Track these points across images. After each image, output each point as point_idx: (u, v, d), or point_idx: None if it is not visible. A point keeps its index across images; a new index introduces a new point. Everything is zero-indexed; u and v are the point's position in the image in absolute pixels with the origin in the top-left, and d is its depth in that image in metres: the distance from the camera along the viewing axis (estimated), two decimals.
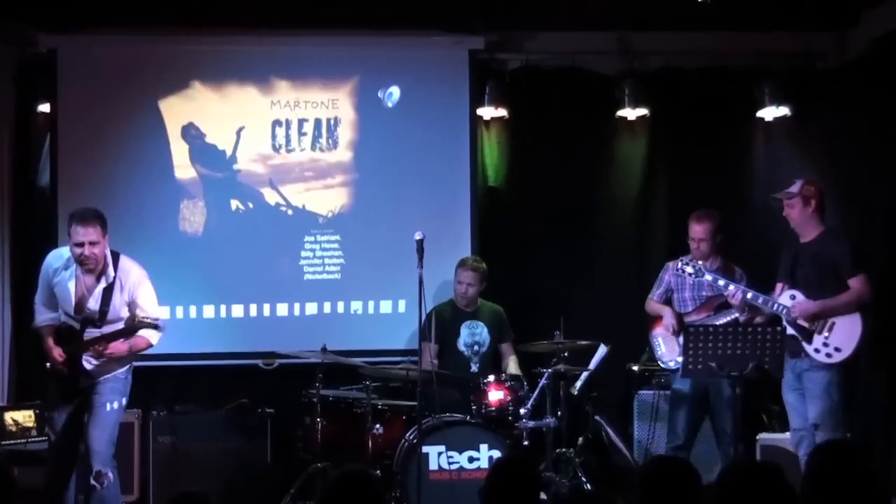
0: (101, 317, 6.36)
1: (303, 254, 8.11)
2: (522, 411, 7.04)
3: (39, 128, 8.05)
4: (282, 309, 8.02)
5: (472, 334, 7.68)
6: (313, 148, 8.14)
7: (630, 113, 8.29)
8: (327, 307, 8.08)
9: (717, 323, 6.86)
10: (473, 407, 7.03)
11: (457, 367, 7.51)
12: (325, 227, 8.12)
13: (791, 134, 8.31)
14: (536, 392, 7.11)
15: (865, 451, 3.97)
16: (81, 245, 6.26)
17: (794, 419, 6.73)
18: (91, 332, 6.35)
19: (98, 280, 6.36)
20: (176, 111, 8.02)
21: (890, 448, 7.25)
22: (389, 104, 8.18)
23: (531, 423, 7.06)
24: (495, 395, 7.03)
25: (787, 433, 6.89)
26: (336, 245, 8.12)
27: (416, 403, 6.64)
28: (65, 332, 6.42)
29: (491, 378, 7.12)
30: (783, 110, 8.26)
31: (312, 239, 8.12)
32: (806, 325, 6.54)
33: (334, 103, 8.14)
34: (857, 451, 3.92)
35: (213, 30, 8.05)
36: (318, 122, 8.15)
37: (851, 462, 3.84)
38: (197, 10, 7.87)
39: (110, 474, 6.30)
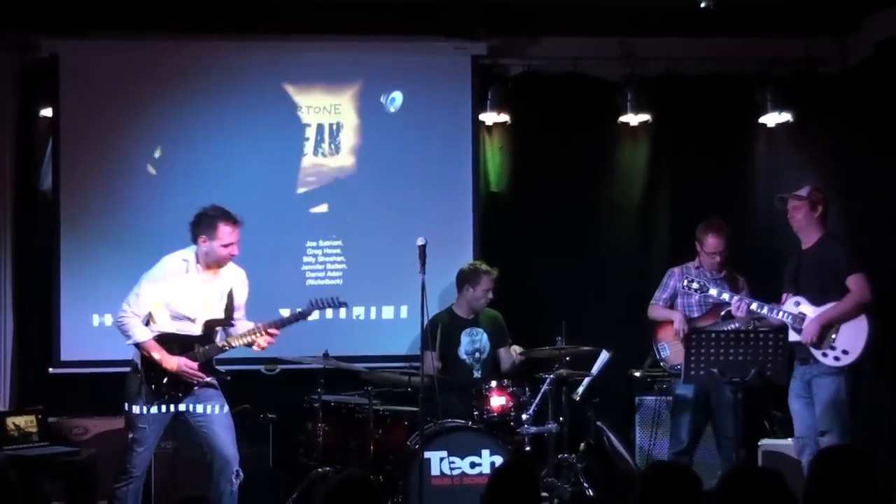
0: (228, 315, 6.50)
1: (305, 259, 8.11)
2: (524, 417, 7.02)
3: (41, 132, 8.06)
4: (284, 314, 8.00)
5: (473, 342, 7.67)
6: (315, 153, 8.14)
7: (632, 118, 8.30)
8: (329, 313, 8.03)
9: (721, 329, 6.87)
10: (475, 412, 7.03)
11: (459, 375, 7.50)
12: (328, 232, 8.12)
13: (793, 140, 8.31)
14: (538, 397, 7.10)
15: (868, 456, 3.95)
16: (231, 244, 6.40)
17: (798, 426, 6.71)
18: (222, 333, 6.48)
19: (214, 280, 6.46)
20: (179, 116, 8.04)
21: (893, 454, 7.24)
22: (392, 109, 8.19)
23: (533, 429, 7.05)
24: (497, 401, 7.02)
25: (790, 439, 6.89)
26: (338, 250, 8.12)
27: (417, 409, 6.63)
28: (175, 340, 6.37)
29: (493, 383, 7.11)
30: (785, 116, 8.26)
31: (314, 244, 8.12)
32: (817, 343, 6.53)
33: (336, 108, 8.15)
34: (860, 457, 3.91)
35: (215, 35, 8.06)
36: (320, 127, 8.15)
37: (854, 468, 3.84)
38: (199, 15, 7.88)
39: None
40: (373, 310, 8.12)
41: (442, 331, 7.47)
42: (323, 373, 7.07)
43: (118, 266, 7.54)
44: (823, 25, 8.29)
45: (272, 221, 8.07)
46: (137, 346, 6.33)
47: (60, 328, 7.84)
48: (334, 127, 8.16)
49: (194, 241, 6.41)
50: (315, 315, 7.92)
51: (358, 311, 8.10)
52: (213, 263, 6.43)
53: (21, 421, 7.24)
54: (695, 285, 6.85)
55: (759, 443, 7.33)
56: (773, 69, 8.26)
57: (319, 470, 6.96)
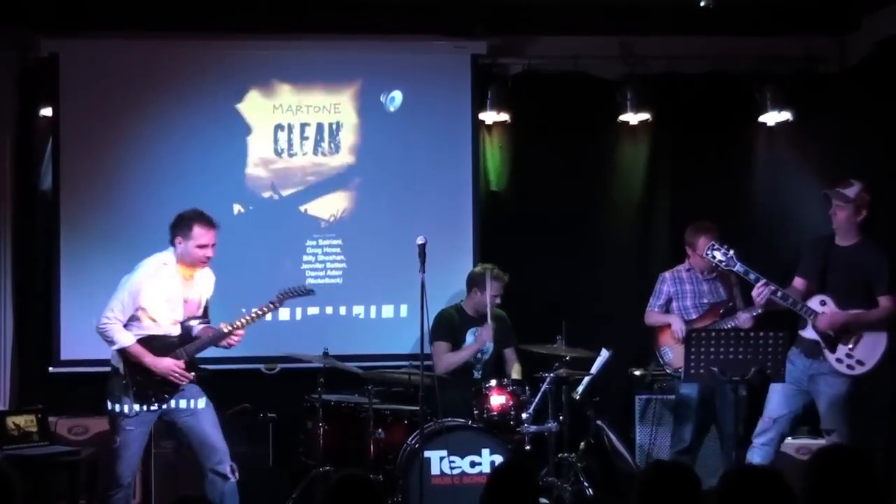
0: (205, 312, 6.54)
1: (305, 258, 8.11)
2: (524, 416, 7.02)
3: (41, 132, 8.05)
4: (283, 313, 8.00)
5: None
6: (315, 152, 8.14)
7: (632, 117, 8.30)
8: (329, 311, 8.08)
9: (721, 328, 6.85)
10: (475, 411, 7.02)
11: (459, 373, 7.49)
12: (327, 231, 8.13)
13: (793, 139, 8.31)
14: (538, 396, 7.10)
15: (867, 455, 3.95)
16: (206, 246, 6.38)
17: (774, 407, 6.57)
18: (198, 328, 6.47)
19: (192, 282, 6.47)
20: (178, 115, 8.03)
21: (893, 454, 7.23)
22: (392, 109, 8.19)
23: (533, 428, 7.05)
24: (497, 400, 7.01)
25: (790, 438, 6.87)
26: (338, 249, 8.13)
27: (417, 408, 6.63)
28: (158, 342, 6.35)
29: (493, 382, 7.11)
30: (785, 115, 8.26)
31: (314, 243, 8.12)
32: (831, 333, 6.48)
33: (336, 107, 8.15)
34: (859, 456, 3.91)
35: (214, 34, 8.06)
36: (320, 127, 8.15)
37: (853, 467, 3.83)
38: (199, 14, 7.89)
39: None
40: (373, 309, 8.12)
41: (449, 325, 7.49)
42: (323, 372, 7.07)
43: (118, 266, 7.48)
44: (823, 24, 8.29)
45: (272, 220, 8.08)
46: (122, 350, 6.31)
47: (60, 328, 7.84)
48: (334, 126, 8.16)
49: (172, 242, 6.41)
50: (316, 313, 8.00)
51: (358, 310, 8.11)
52: (189, 265, 6.43)
53: (21, 420, 7.23)
54: (718, 254, 6.49)
55: None
56: (772, 68, 8.26)
57: (319, 469, 6.97)
